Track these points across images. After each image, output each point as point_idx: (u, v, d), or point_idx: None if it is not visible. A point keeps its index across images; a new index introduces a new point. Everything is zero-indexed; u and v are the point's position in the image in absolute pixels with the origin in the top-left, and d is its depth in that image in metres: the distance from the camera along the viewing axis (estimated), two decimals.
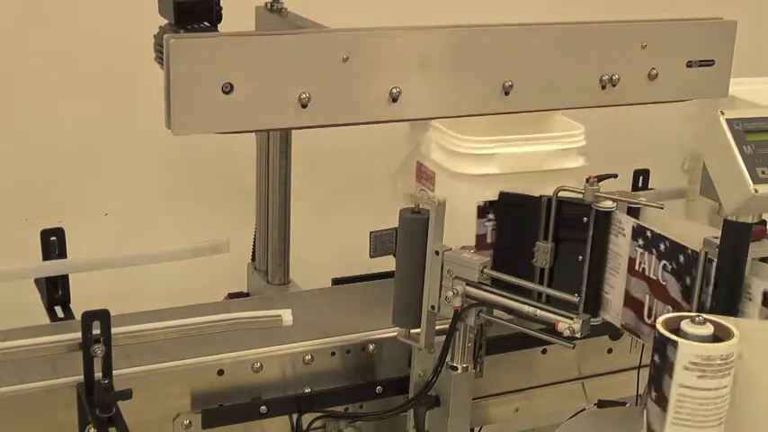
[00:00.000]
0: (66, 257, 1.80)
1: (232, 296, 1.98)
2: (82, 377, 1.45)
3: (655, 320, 1.49)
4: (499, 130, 1.71)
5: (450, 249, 1.54)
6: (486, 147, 1.67)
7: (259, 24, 1.89)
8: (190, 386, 1.56)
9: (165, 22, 1.60)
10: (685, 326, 1.16)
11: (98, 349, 1.43)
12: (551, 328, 1.45)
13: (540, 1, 2.21)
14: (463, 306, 1.52)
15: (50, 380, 1.48)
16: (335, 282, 1.90)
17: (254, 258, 2.05)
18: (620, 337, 1.82)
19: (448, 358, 1.58)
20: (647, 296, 1.55)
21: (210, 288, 1.90)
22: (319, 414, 1.63)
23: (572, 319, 1.43)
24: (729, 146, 1.31)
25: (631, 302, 1.59)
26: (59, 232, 1.80)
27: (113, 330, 1.44)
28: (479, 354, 1.61)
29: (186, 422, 1.56)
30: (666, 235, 1.51)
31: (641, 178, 2.10)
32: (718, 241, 1.38)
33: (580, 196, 1.61)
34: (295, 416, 1.62)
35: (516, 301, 1.48)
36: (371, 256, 1.86)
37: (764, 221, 1.38)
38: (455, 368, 1.58)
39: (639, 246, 1.56)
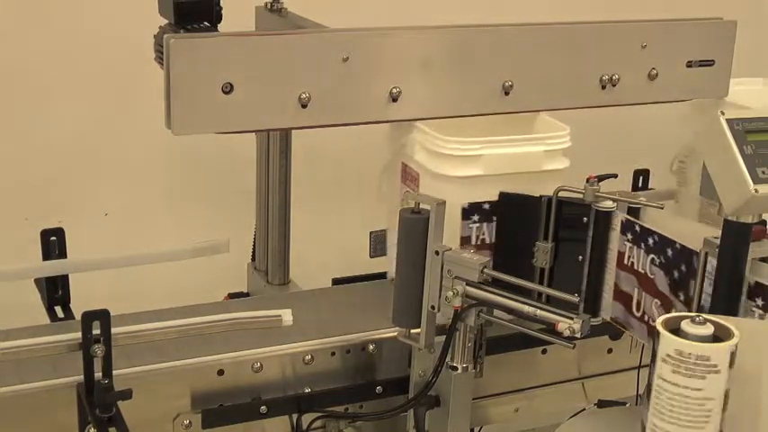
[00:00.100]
0: (66, 257, 1.80)
1: (232, 296, 1.98)
2: (82, 377, 1.45)
3: (643, 314, 1.55)
4: (484, 132, 1.69)
5: (451, 249, 1.54)
6: (470, 148, 1.66)
7: (259, 24, 1.89)
8: (190, 386, 1.56)
9: (165, 22, 1.60)
10: (685, 326, 1.16)
11: (98, 349, 1.43)
12: (551, 328, 1.45)
13: (540, 1, 2.21)
14: (463, 306, 1.52)
15: (50, 380, 1.48)
16: (335, 282, 1.91)
17: (254, 258, 2.05)
18: (620, 337, 1.82)
19: (448, 358, 1.58)
20: (636, 290, 1.57)
21: (210, 288, 1.90)
22: (319, 414, 1.63)
23: (572, 319, 1.43)
24: (729, 146, 1.31)
25: (620, 296, 1.61)
26: (59, 232, 1.80)
27: (113, 330, 1.44)
28: (479, 354, 1.61)
29: (186, 422, 1.56)
30: (654, 229, 1.53)
31: (641, 178, 2.10)
32: (718, 241, 1.38)
33: (580, 196, 1.61)
34: (295, 416, 1.62)
35: (516, 301, 1.48)
36: (371, 256, 1.86)
37: (764, 221, 1.38)
38: (455, 368, 1.58)
39: (628, 240, 1.58)
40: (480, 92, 1.63)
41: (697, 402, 1.17)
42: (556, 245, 1.65)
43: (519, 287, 1.52)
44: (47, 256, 1.80)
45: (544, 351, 1.79)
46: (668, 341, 1.17)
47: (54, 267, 1.80)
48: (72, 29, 2.10)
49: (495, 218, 1.68)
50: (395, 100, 1.56)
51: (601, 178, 1.62)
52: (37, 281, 1.84)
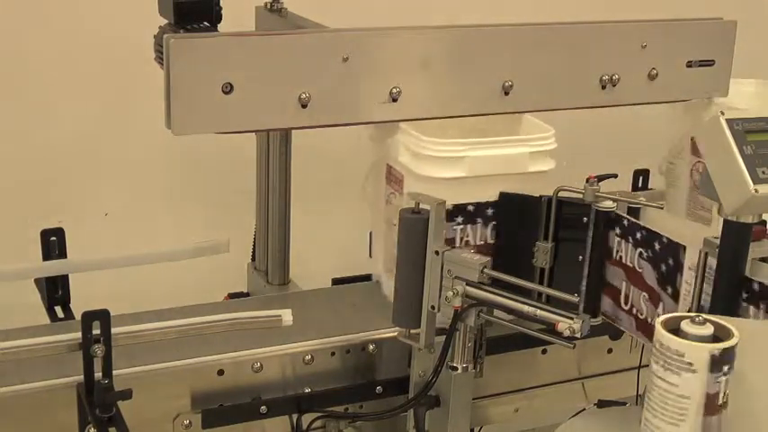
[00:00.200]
0: (66, 257, 1.80)
1: (232, 296, 1.98)
2: (82, 377, 1.45)
3: (631, 307, 1.58)
4: (469, 133, 1.68)
5: (451, 249, 1.54)
6: (455, 149, 1.64)
7: (259, 24, 1.89)
8: (190, 386, 1.56)
9: (165, 22, 1.60)
10: (685, 326, 1.16)
11: (98, 349, 1.43)
12: (551, 328, 1.45)
13: (540, 1, 2.21)
14: (463, 306, 1.52)
15: (50, 380, 1.48)
16: (335, 282, 1.90)
17: (254, 258, 2.05)
18: (620, 337, 1.82)
19: (448, 358, 1.58)
20: (624, 283, 1.59)
21: (210, 288, 1.90)
22: (319, 414, 1.63)
23: (572, 319, 1.43)
24: (729, 146, 1.31)
25: (609, 290, 1.62)
26: (59, 232, 1.80)
27: (113, 330, 1.44)
28: (479, 354, 1.61)
29: (186, 422, 1.56)
30: (642, 224, 1.55)
31: (641, 178, 2.10)
32: (718, 241, 1.38)
33: (580, 196, 1.61)
34: (295, 416, 1.62)
35: (516, 301, 1.48)
36: (371, 256, 1.86)
37: (764, 221, 1.38)
38: (455, 368, 1.58)
39: (617, 234, 1.59)
40: (480, 92, 1.63)
41: (673, 398, 1.17)
42: (556, 245, 1.65)
43: (519, 287, 1.52)
44: (47, 256, 1.80)
45: (544, 351, 1.79)
46: (657, 333, 1.17)
47: (54, 267, 1.80)
48: (72, 29, 2.10)
49: (479, 220, 1.67)
50: (395, 100, 1.56)
51: (601, 178, 1.62)
52: (37, 281, 1.84)
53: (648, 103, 1.79)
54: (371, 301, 1.79)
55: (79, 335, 1.43)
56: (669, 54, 1.73)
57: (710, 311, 1.38)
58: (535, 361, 1.80)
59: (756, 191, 1.28)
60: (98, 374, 1.44)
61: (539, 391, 1.83)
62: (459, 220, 1.65)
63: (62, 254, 1.80)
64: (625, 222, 1.58)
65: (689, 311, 1.36)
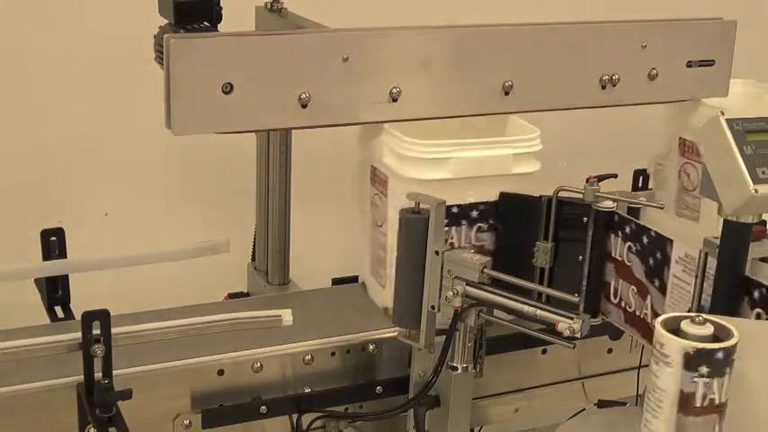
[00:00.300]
0: (66, 257, 1.80)
1: (232, 296, 1.98)
2: (82, 377, 1.44)
3: (620, 300, 1.60)
4: (454, 134, 1.67)
5: (451, 249, 1.54)
6: (438, 151, 1.62)
7: (259, 24, 1.89)
8: (190, 386, 1.56)
9: (165, 22, 1.60)
10: (685, 326, 1.16)
11: (98, 349, 1.43)
12: (551, 328, 1.45)
13: (540, 1, 2.21)
14: (463, 306, 1.52)
15: (50, 380, 1.48)
16: (335, 282, 1.90)
17: (254, 258, 2.05)
18: (620, 337, 1.82)
19: (448, 358, 1.57)
20: (613, 277, 1.61)
21: (210, 288, 1.90)
22: (319, 414, 1.63)
23: (572, 319, 1.43)
24: (729, 146, 1.31)
25: None
26: (59, 232, 1.80)
27: (113, 330, 1.44)
28: (479, 354, 1.61)
29: (186, 422, 1.56)
30: (631, 218, 1.57)
31: (641, 178, 2.10)
32: (718, 241, 1.38)
33: (580, 196, 1.61)
34: (295, 416, 1.62)
35: (516, 301, 1.48)
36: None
37: (764, 221, 1.38)
38: (455, 368, 1.58)
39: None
40: (480, 92, 1.63)
41: (653, 388, 1.17)
42: (556, 245, 1.65)
43: (519, 287, 1.52)
44: (47, 256, 1.80)
45: (544, 351, 1.79)
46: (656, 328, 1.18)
47: (54, 267, 1.80)
48: (72, 29, 2.10)
49: (464, 222, 1.65)
50: (395, 100, 1.56)
51: (601, 178, 1.62)
52: (37, 281, 1.84)
53: (648, 103, 1.79)
54: (371, 301, 1.79)
55: (79, 335, 1.43)
56: (669, 54, 1.73)
57: (710, 311, 1.38)
58: (535, 361, 1.80)
59: (756, 191, 1.28)
60: (98, 374, 1.44)
61: (539, 391, 1.83)
62: (444, 221, 1.63)
63: (62, 254, 1.80)
64: (615, 218, 1.59)
65: (689, 311, 1.36)
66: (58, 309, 1.82)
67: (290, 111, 1.50)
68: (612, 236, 1.60)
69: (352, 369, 1.67)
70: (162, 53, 1.43)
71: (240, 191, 2.11)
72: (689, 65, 1.75)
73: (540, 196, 1.65)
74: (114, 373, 1.45)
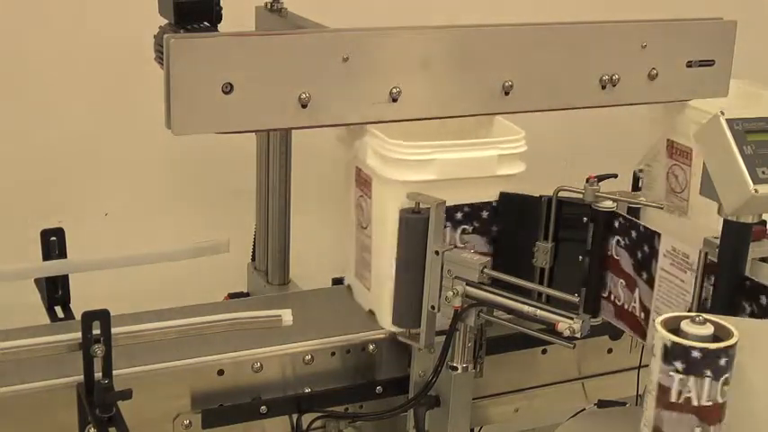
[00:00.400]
0: (66, 257, 1.80)
1: (232, 296, 1.98)
2: (82, 377, 1.44)
3: (609, 294, 1.62)
4: (438, 135, 1.65)
5: (451, 249, 1.54)
6: (421, 152, 1.60)
7: (259, 24, 1.89)
8: (190, 386, 1.56)
9: (165, 22, 1.60)
10: (685, 326, 1.16)
11: (98, 349, 1.43)
12: (551, 328, 1.45)
13: (540, 1, 2.21)
14: (463, 306, 1.52)
15: (50, 380, 1.48)
16: (335, 282, 1.90)
17: (254, 258, 2.05)
18: (620, 337, 1.82)
19: (448, 358, 1.58)
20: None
21: (210, 288, 1.90)
22: (319, 414, 1.63)
23: (572, 319, 1.43)
24: (729, 146, 1.31)
25: None
26: (59, 232, 1.80)
27: (113, 330, 1.44)
28: (479, 354, 1.61)
29: (186, 422, 1.56)
30: (619, 213, 1.59)
31: (640, 179, 2.10)
32: (718, 241, 1.38)
33: (580, 196, 1.61)
34: (295, 416, 1.62)
35: (516, 301, 1.48)
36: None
37: (764, 221, 1.38)
38: (455, 368, 1.58)
39: None
40: (480, 92, 1.63)
41: (648, 379, 1.19)
42: (556, 245, 1.65)
43: (519, 287, 1.53)
44: (47, 256, 1.80)
45: (544, 351, 1.79)
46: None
47: (54, 267, 1.80)
48: (72, 29, 2.10)
49: (448, 224, 1.63)
50: (395, 100, 1.56)
51: (601, 178, 1.62)
52: (37, 281, 1.84)
53: (648, 103, 1.79)
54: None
55: (79, 335, 1.43)
56: (669, 54, 1.73)
57: (710, 311, 1.38)
58: (535, 361, 1.80)
59: (756, 191, 1.28)
60: (98, 374, 1.44)
61: (539, 391, 1.83)
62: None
63: (62, 254, 1.80)
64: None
65: (689, 311, 1.36)
66: (58, 309, 1.82)
67: (290, 111, 1.50)
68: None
69: (352, 369, 1.67)
70: (162, 53, 1.43)
71: (240, 191, 2.11)
72: (689, 65, 1.75)
73: (540, 196, 1.65)
74: (114, 373, 1.45)
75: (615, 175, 1.81)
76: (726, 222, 1.35)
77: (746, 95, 1.85)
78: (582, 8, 1.94)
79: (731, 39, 1.77)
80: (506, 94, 1.63)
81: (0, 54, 2.07)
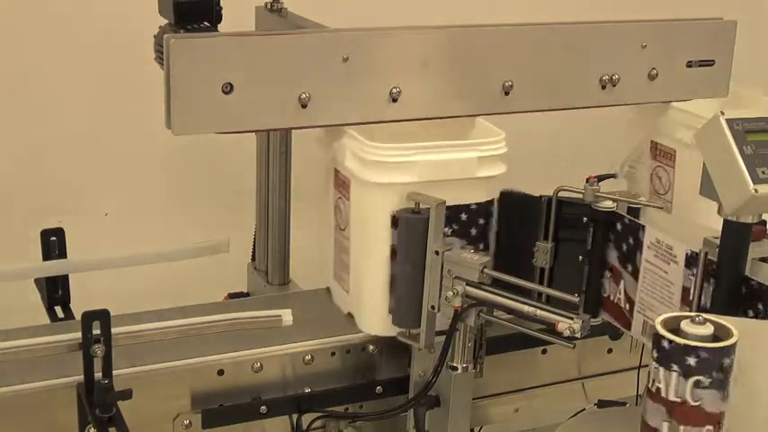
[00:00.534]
0: (66, 257, 1.80)
1: (232, 296, 1.98)
2: (82, 377, 1.44)
3: None
4: (419, 137, 1.62)
5: (451, 249, 1.54)
6: (399, 154, 1.58)
7: (259, 24, 1.89)
8: (190, 386, 1.56)
9: (165, 22, 1.60)
10: (685, 326, 1.16)
11: (98, 349, 1.43)
12: (551, 328, 1.45)
13: (540, 1, 2.21)
14: (463, 306, 1.52)
15: (50, 380, 1.48)
16: None
17: (254, 258, 2.05)
18: (620, 337, 1.82)
19: (448, 358, 1.57)
20: None
21: (210, 288, 1.90)
22: (319, 414, 1.63)
23: (572, 319, 1.43)
24: (729, 146, 1.31)
25: None
26: (59, 232, 1.80)
27: (113, 330, 1.44)
28: (479, 354, 1.61)
29: (186, 422, 1.56)
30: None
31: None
32: (718, 241, 1.38)
33: (580, 196, 1.61)
34: (295, 416, 1.62)
35: (516, 301, 1.48)
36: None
37: (764, 221, 1.38)
38: (455, 368, 1.58)
39: None
40: (480, 92, 1.63)
41: None
42: (556, 245, 1.65)
43: (519, 287, 1.53)
44: (47, 256, 1.80)
45: (544, 351, 1.79)
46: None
47: (54, 267, 1.80)
48: (72, 29, 2.10)
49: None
50: (395, 100, 1.56)
51: (601, 178, 1.62)
52: (37, 281, 1.84)
53: (648, 103, 1.79)
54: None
55: (79, 335, 1.43)
56: (669, 54, 1.73)
57: (710, 311, 1.38)
58: (535, 361, 1.80)
59: (756, 191, 1.28)
60: (98, 374, 1.44)
61: (539, 391, 1.83)
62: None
63: (62, 254, 1.80)
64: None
65: (689, 311, 1.36)
66: (58, 309, 1.82)
67: (290, 111, 1.50)
68: None
69: (352, 369, 1.67)
70: (162, 53, 1.43)
71: (240, 191, 2.11)
72: (689, 65, 1.75)
73: (540, 196, 1.65)
74: (114, 373, 1.45)
75: (615, 175, 1.81)
76: (726, 222, 1.35)
77: (736, 96, 1.85)
78: (582, 8, 1.94)
79: (731, 39, 1.77)
80: (506, 94, 1.63)
81: (0, 54, 2.07)
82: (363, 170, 1.59)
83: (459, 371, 1.58)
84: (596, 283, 1.63)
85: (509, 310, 1.49)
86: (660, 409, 1.17)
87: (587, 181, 1.61)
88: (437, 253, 1.54)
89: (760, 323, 1.34)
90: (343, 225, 1.66)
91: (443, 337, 1.56)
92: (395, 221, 1.58)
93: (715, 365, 1.14)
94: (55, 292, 1.82)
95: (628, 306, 1.59)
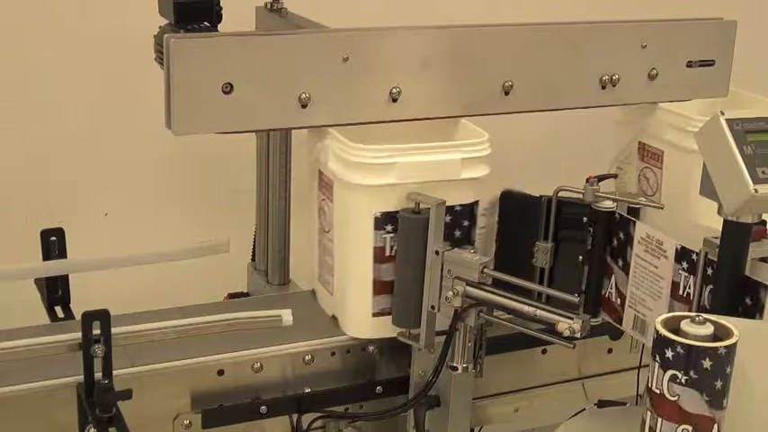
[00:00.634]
0: (66, 257, 1.80)
1: (232, 296, 1.98)
2: (82, 377, 1.45)
3: None
4: (402, 138, 1.61)
5: (451, 249, 1.54)
6: (382, 156, 1.56)
7: (259, 24, 1.89)
8: (190, 386, 1.56)
9: (165, 22, 1.60)
10: (685, 326, 1.16)
11: (98, 349, 1.43)
12: (551, 328, 1.45)
13: (540, 1, 2.21)
14: (463, 306, 1.52)
15: (50, 380, 1.48)
16: None
17: (254, 258, 2.05)
18: (620, 337, 1.82)
19: (448, 358, 1.57)
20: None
21: (210, 288, 1.90)
22: (319, 414, 1.63)
23: (572, 319, 1.43)
24: (729, 146, 1.31)
25: None
26: (59, 232, 1.80)
27: (113, 330, 1.44)
28: (479, 354, 1.61)
29: (186, 422, 1.56)
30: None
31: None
32: (718, 241, 1.38)
33: (580, 196, 1.61)
34: (295, 416, 1.62)
35: (516, 301, 1.48)
36: None
37: (764, 221, 1.38)
38: (455, 368, 1.58)
39: None
40: (480, 92, 1.63)
41: None
42: (556, 245, 1.65)
43: (519, 287, 1.53)
44: (47, 256, 1.80)
45: (544, 351, 1.79)
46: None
47: (54, 267, 1.80)
48: (72, 29, 2.10)
49: None
50: (395, 100, 1.56)
51: (601, 178, 1.62)
52: (37, 281, 1.84)
53: (648, 103, 1.79)
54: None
55: (79, 335, 1.43)
56: (669, 54, 1.73)
57: (710, 311, 1.38)
58: (535, 361, 1.80)
59: (756, 191, 1.28)
60: (98, 374, 1.44)
61: (539, 391, 1.83)
62: (389, 228, 1.59)
63: (62, 254, 1.80)
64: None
65: (689, 311, 1.36)
66: (58, 309, 1.82)
67: (290, 111, 1.50)
68: None
69: (352, 369, 1.67)
70: (162, 53, 1.43)
71: (240, 191, 2.11)
72: (689, 65, 1.75)
73: (540, 196, 1.65)
74: (114, 373, 1.45)
75: (615, 175, 1.81)
76: (726, 222, 1.35)
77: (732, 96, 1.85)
78: (582, 8, 1.95)
79: (731, 39, 1.77)
80: (506, 94, 1.63)
81: (0, 54, 2.07)
82: (346, 172, 1.58)
83: (459, 371, 1.58)
84: (596, 283, 1.63)
85: (509, 310, 1.49)
86: (647, 399, 1.19)
87: (587, 181, 1.61)
88: (437, 253, 1.54)
89: (760, 323, 1.35)
90: (327, 227, 1.66)
91: (443, 337, 1.56)
92: (378, 223, 1.58)
93: (692, 364, 1.14)
94: (55, 292, 1.82)
95: (619, 301, 1.60)
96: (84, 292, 1.80)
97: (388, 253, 1.60)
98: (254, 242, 2.04)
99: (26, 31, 2.09)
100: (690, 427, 1.16)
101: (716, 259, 1.39)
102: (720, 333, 1.16)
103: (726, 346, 1.14)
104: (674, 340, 1.14)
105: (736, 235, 1.36)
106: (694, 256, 1.45)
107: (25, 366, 1.48)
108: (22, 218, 2.12)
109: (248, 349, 1.60)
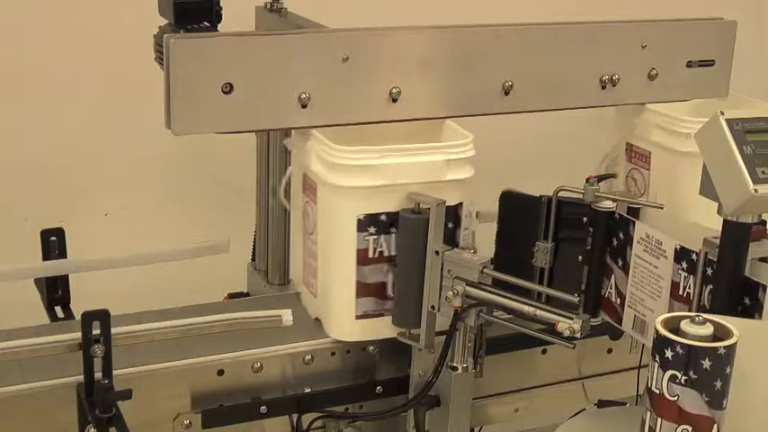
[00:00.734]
0: (66, 257, 1.80)
1: (232, 296, 1.98)
2: (82, 377, 1.45)
3: None
4: (387, 139, 1.60)
5: (451, 249, 1.54)
6: (365, 157, 1.56)
7: (259, 24, 1.89)
8: (190, 386, 1.56)
9: (165, 22, 1.60)
10: (685, 326, 1.16)
11: (98, 349, 1.43)
12: (551, 328, 1.45)
13: (540, 1, 2.21)
14: (463, 306, 1.52)
15: (50, 380, 1.48)
16: None
17: (254, 258, 2.05)
18: (620, 337, 1.82)
19: (448, 358, 1.58)
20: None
21: (210, 288, 1.90)
22: (319, 414, 1.63)
23: (572, 319, 1.43)
24: (729, 146, 1.31)
25: None
26: (59, 232, 1.80)
27: (113, 330, 1.44)
28: (479, 354, 1.61)
29: (186, 422, 1.56)
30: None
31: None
32: (718, 241, 1.38)
33: (580, 196, 1.61)
34: (295, 416, 1.62)
35: (516, 301, 1.48)
36: None
37: (764, 221, 1.38)
38: (455, 368, 1.58)
39: None
40: (480, 92, 1.63)
41: None
42: (556, 245, 1.65)
43: (519, 287, 1.53)
44: (47, 256, 1.80)
45: (544, 351, 1.79)
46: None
47: (54, 267, 1.80)
48: (71, 29, 2.10)
49: (393, 229, 1.59)
50: (395, 100, 1.56)
51: (601, 178, 1.62)
52: (37, 281, 1.84)
53: (649, 103, 1.79)
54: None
55: (79, 335, 1.43)
56: (669, 54, 1.73)
57: (710, 311, 1.38)
58: (535, 361, 1.80)
59: (756, 191, 1.28)
60: (98, 374, 1.44)
61: (539, 391, 1.83)
62: (372, 230, 1.58)
63: (62, 254, 1.80)
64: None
65: (689, 311, 1.36)
66: (58, 309, 1.82)
67: (290, 111, 1.50)
68: None
69: (352, 369, 1.67)
70: (162, 53, 1.43)
71: (240, 191, 2.11)
72: (689, 65, 1.75)
73: (540, 196, 1.65)
74: (114, 373, 1.45)
75: (615, 175, 1.81)
76: (726, 222, 1.35)
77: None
78: (582, 8, 1.95)
79: (731, 39, 1.77)
80: (506, 94, 1.63)
81: (0, 54, 2.07)
82: (329, 173, 1.57)
83: (459, 371, 1.58)
84: (596, 283, 1.63)
85: (509, 310, 1.49)
86: (647, 399, 1.19)
87: (587, 181, 1.61)
88: (437, 253, 1.54)
89: (760, 323, 1.35)
90: (310, 229, 1.65)
91: (443, 337, 1.56)
92: (361, 225, 1.57)
93: (692, 364, 1.14)
94: (55, 291, 1.82)
95: (619, 301, 1.60)
96: (85, 292, 1.80)
97: (371, 255, 1.59)
98: (254, 242, 2.04)
99: (26, 31, 2.09)
100: (689, 428, 1.16)
101: (715, 259, 1.39)
102: (720, 333, 1.16)
103: (725, 347, 1.14)
104: (673, 340, 1.14)
105: (735, 235, 1.36)
106: (694, 256, 1.45)
107: (25, 366, 1.48)
108: (22, 218, 2.12)
109: (248, 349, 1.60)
